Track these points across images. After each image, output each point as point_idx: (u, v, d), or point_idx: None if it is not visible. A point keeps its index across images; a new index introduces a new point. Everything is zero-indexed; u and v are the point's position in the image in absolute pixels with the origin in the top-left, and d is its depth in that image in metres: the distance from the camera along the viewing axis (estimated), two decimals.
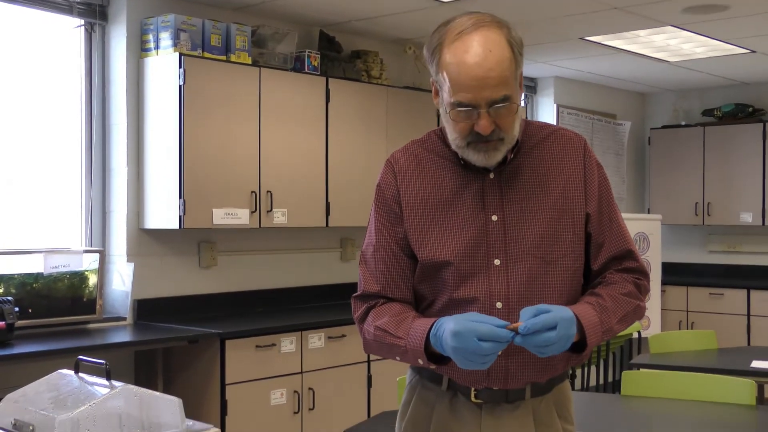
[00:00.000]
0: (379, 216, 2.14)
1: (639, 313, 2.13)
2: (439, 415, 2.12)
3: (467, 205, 2.08)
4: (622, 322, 2.07)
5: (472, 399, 2.09)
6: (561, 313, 1.89)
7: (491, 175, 2.08)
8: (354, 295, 2.18)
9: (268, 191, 5.20)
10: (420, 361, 1.99)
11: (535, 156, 2.12)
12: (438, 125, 2.18)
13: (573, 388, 4.20)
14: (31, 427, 2.53)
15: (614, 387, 6.37)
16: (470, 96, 1.95)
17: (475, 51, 1.94)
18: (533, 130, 2.15)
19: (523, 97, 2.09)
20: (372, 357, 5.36)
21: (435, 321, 1.97)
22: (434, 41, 2.02)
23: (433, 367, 2.01)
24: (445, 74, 1.98)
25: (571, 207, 2.09)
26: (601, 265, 2.13)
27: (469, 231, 2.06)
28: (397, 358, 2.06)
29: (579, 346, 1.98)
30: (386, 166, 2.17)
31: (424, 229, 2.09)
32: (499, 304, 2.03)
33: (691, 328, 7.88)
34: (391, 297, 2.11)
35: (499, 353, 2.01)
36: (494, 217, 2.07)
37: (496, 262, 2.05)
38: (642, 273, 2.15)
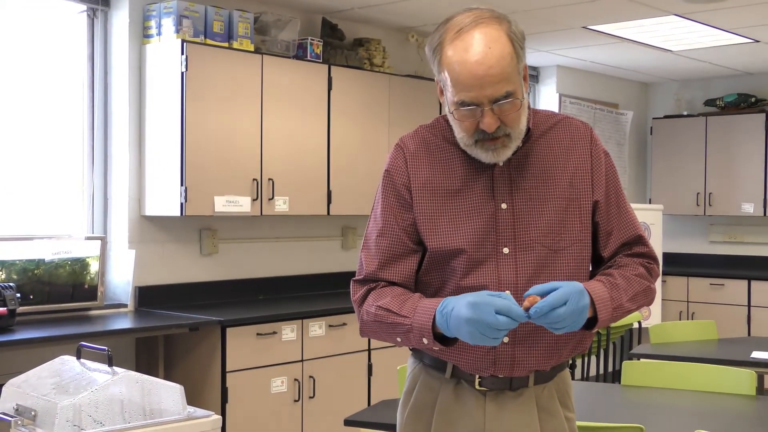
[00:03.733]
0: (386, 201, 2.13)
1: (649, 294, 2.13)
2: (442, 402, 2.12)
3: (477, 193, 2.08)
4: (633, 301, 2.08)
5: (476, 387, 2.09)
6: (570, 287, 1.89)
7: (500, 164, 2.08)
8: (354, 278, 2.16)
9: (269, 179, 5.20)
10: (424, 341, 1.97)
11: (543, 145, 2.12)
12: (440, 113, 2.17)
13: (573, 378, 4.20)
14: (33, 413, 2.54)
15: (614, 377, 6.38)
16: (472, 95, 1.95)
17: (474, 49, 1.94)
18: (540, 118, 2.15)
19: (527, 96, 2.08)
20: (373, 345, 5.36)
21: (442, 299, 1.97)
22: (435, 40, 2.02)
23: (436, 348, 2.00)
24: (446, 73, 1.98)
25: (578, 196, 2.10)
26: (612, 252, 2.15)
27: (479, 219, 2.07)
28: (398, 339, 2.04)
29: (590, 322, 1.99)
30: (396, 151, 2.16)
31: (434, 216, 2.09)
32: (507, 293, 2.03)
33: (692, 319, 7.88)
34: (393, 282, 2.11)
35: (506, 341, 2.02)
36: (504, 206, 2.07)
37: (505, 250, 2.06)
38: (651, 258, 2.17)
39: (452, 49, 1.96)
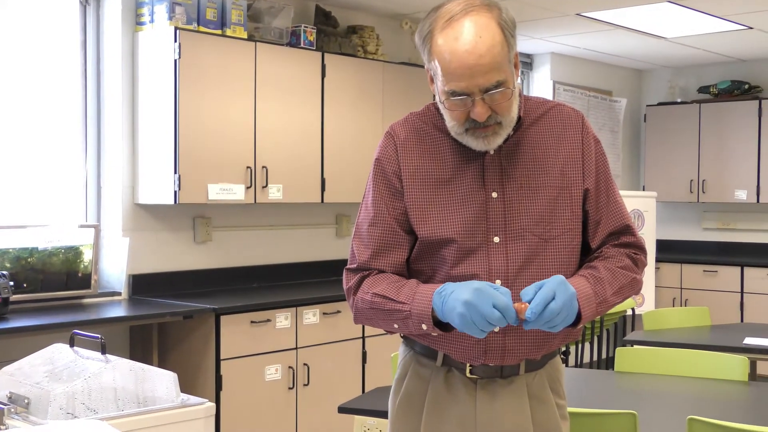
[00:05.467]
0: (377, 190, 2.12)
1: (635, 286, 2.13)
2: (433, 390, 2.12)
3: (467, 181, 2.07)
4: (618, 294, 2.08)
5: (467, 375, 2.09)
6: (553, 281, 1.90)
7: (491, 152, 2.07)
8: (346, 267, 2.16)
9: (263, 167, 5.19)
10: (424, 326, 1.97)
11: (535, 132, 2.11)
12: (433, 100, 2.16)
13: (567, 365, 4.20)
14: (26, 400, 2.54)
15: (608, 364, 6.39)
16: (463, 84, 1.94)
17: (464, 38, 1.92)
18: (532, 106, 2.14)
19: (519, 81, 2.07)
20: (367, 333, 5.37)
21: (441, 285, 1.97)
22: (425, 29, 2.00)
23: (435, 334, 2.00)
24: (436, 62, 1.97)
25: (569, 184, 2.09)
26: (600, 241, 2.14)
27: (470, 208, 2.06)
28: (396, 326, 2.04)
29: (576, 318, 1.99)
30: (386, 139, 2.15)
31: (425, 205, 2.08)
32: (498, 282, 2.03)
33: (685, 305, 7.90)
34: (385, 271, 2.10)
35: (496, 330, 2.02)
36: (494, 194, 2.06)
37: (496, 239, 2.05)
38: (639, 248, 2.16)
39: (442, 38, 1.95)
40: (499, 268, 2.04)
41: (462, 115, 1.99)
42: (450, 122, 2.03)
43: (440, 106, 2.04)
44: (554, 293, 1.87)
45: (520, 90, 2.10)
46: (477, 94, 1.94)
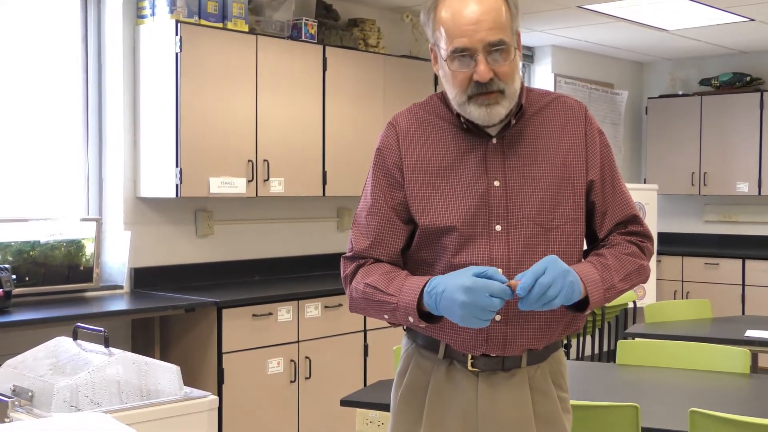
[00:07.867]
0: (377, 179, 2.14)
1: (643, 273, 2.14)
2: (435, 383, 2.13)
3: (470, 170, 2.08)
4: (626, 281, 2.08)
5: (469, 368, 2.10)
6: (545, 258, 1.92)
7: (494, 141, 2.08)
8: (344, 255, 2.18)
9: (264, 160, 5.19)
10: (410, 319, 2.00)
11: (537, 123, 2.12)
12: (435, 91, 2.18)
13: (568, 358, 4.20)
14: (30, 393, 2.55)
15: (609, 356, 6.40)
16: (466, 40, 1.97)
17: (468, 2, 1.98)
18: (535, 96, 2.16)
19: (521, 65, 2.10)
20: (368, 326, 5.37)
21: (428, 279, 1.98)
22: (429, 3, 2.05)
23: (423, 325, 2.02)
24: (441, 29, 2.01)
25: (572, 175, 2.10)
26: (607, 232, 2.15)
27: (472, 197, 2.07)
28: (386, 316, 2.07)
29: (582, 304, 2.00)
30: (388, 129, 2.17)
31: (426, 194, 2.09)
32: (499, 270, 2.04)
33: (687, 298, 7.90)
34: (381, 260, 2.12)
35: (498, 319, 2.03)
36: (496, 183, 2.07)
37: (497, 228, 2.06)
38: (646, 236, 2.17)
39: (446, 6, 2.00)
40: (500, 256, 2.05)
41: (465, 79, 2.00)
42: (453, 91, 2.04)
43: (444, 79, 2.06)
44: (545, 268, 1.89)
45: (522, 80, 2.11)
46: (480, 51, 1.97)
